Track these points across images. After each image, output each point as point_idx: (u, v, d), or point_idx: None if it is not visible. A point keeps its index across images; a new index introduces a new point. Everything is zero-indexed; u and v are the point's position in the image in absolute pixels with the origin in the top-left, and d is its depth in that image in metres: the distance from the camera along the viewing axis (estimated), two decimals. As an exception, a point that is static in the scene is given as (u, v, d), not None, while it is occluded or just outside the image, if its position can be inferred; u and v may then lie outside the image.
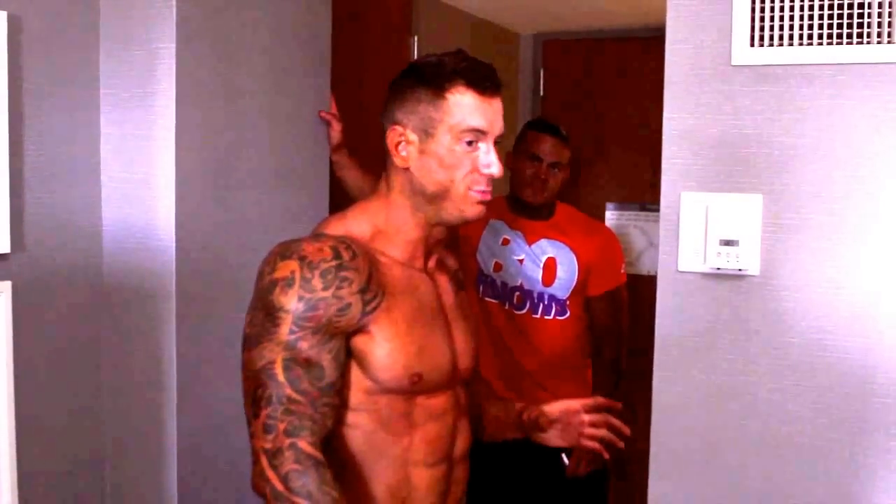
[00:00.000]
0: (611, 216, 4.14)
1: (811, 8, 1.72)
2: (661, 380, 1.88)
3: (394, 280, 1.51)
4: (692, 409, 1.86)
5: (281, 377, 1.39)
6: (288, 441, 1.37)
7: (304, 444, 1.37)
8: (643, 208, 4.08)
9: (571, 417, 1.75)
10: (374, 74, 3.13)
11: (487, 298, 2.91)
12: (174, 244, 2.00)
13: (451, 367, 1.59)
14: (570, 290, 2.86)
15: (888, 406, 1.72)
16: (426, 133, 1.50)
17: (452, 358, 1.60)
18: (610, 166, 4.14)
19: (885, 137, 1.70)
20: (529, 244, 2.88)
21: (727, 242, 1.79)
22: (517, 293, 2.87)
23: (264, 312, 1.43)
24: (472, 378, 1.73)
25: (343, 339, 1.45)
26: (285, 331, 1.41)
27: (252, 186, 2.24)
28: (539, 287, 2.85)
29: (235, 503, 2.23)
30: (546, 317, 2.86)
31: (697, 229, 1.82)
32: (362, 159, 2.58)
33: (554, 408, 1.76)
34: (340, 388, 1.47)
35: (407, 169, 1.52)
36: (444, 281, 1.66)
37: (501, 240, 2.90)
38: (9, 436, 1.80)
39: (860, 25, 1.69)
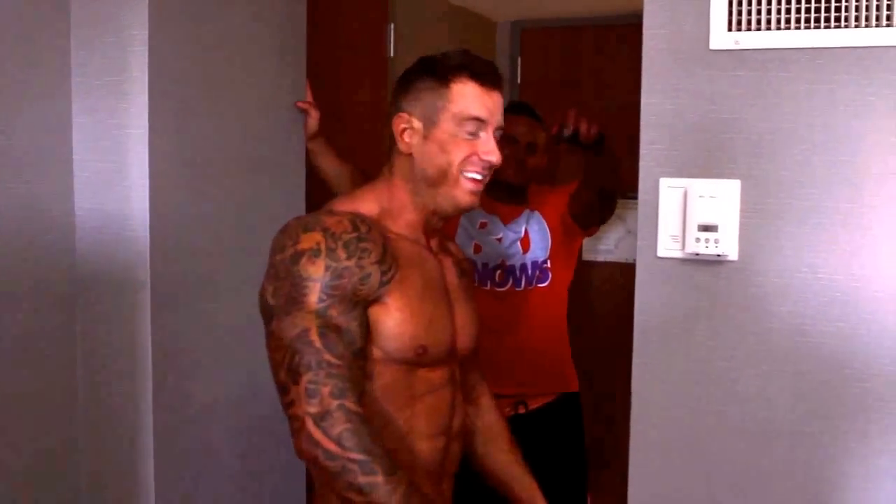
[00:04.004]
0: (589, 204, 4.13)
1: (789, -8, 1.72)
2: (640, 367, 1.88)
3: (404, 253, 1.59)
4: (671, 395, 1.86)
5: (318, 343, 1.44)
6: (335, 402, 1.41)
7: (350, 404, 1.42)
8: (621, 196, 4.07)
9: None
10: (350, 62, 3.11)
11: None
12: (148, 234, 1.98)
13: (450, 343, 1.66)
14: (549, 249, 2.90)
15: (867, 390, 1.72)
16: (430, 120, 1.62)
17: (452, 334, 1.67)
18: (588, 154, 4.13)
19: (863, 122, 1.70)
20: (506, 224, 2.91)
21: (706, 228, 1.79)
22: (498, 271, 2.90)
23: (290, 282, 1.48)
24: (470, 358, 1.82)
25: (364, 307, 1.51)
26: (314, 299, 1.46)
27: (227, 175, 2.21)
28: (519, 257, 2.89)
29: (212, 494, 2.21)
30: (528, 287, 2.89)
31: (676, 215, 1.81)
32: (339, 147, 2.56)
33: None
34: (367, 355, 1.53)
35: (410, 154, 1.64)
36: (448, 262, 1.76)
37: (478, 224, 2.92)
38: (-19, 429, 1.78)
39: (837, 9, 1.69)
